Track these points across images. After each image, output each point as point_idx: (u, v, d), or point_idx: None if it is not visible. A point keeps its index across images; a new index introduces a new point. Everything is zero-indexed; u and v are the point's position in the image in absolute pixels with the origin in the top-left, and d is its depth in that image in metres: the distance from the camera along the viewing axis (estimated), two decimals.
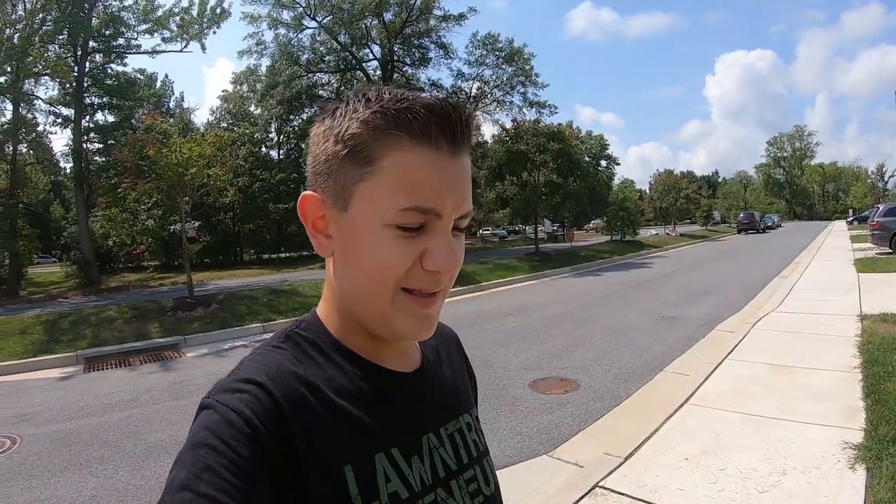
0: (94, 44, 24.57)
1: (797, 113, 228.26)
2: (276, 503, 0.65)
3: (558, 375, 7.32)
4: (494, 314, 12.62)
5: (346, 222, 0.74)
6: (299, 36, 34.43)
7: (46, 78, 22.92)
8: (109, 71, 26.52)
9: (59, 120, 25.90)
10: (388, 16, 33.83)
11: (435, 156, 0.71)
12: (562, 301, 14.03)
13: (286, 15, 33.31)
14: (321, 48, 35.21)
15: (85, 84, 24.77)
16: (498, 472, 3.25)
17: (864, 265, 16.32)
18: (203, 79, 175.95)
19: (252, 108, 42.27)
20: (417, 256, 0.72)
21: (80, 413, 7.24)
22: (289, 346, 0.80)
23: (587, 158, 45.38)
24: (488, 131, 36.69)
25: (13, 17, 21.22)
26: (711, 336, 8.77)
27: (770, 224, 57.03)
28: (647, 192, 77.29)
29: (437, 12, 34.42)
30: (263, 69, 36.28)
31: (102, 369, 9.82)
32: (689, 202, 53.43)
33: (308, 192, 0.77)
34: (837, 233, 39.53)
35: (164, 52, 25.73)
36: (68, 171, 32.65)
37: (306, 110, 37.30)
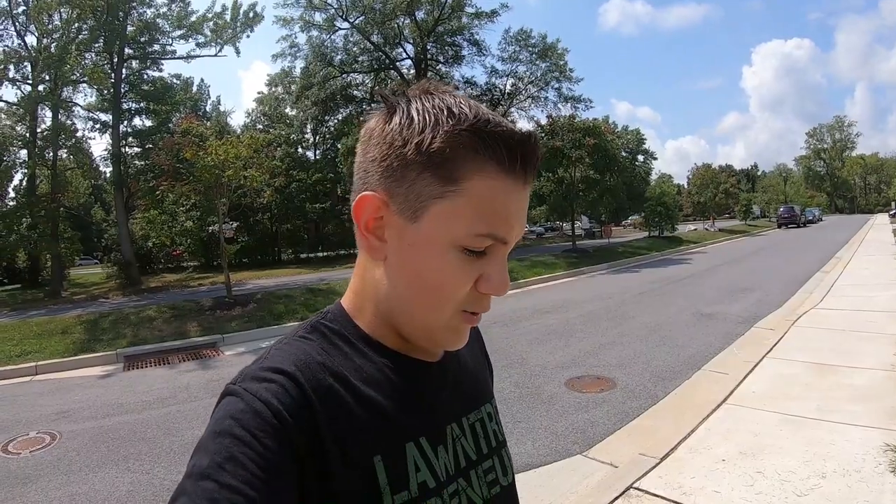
0: (130, 50, 24.95)
1: (837, 103, 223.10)
2: (301, 497, 0.65)
3: (594, 374, 7.28)
4: (531, 312, 12.57)
5: (413, 234, 0.73)
6: (332, 37, 34.62)
7: (84, 85, 23.39)
8: (146, 77, 26.93)
9: (98, 125, 26.41)
10: (420, 14, 33.85)
11: (513, 185, 0.71)
12: (599, 298, 13.93)
13: (318, 17, 33.52)
14: (354, 48, 35.37)
15: (122, 90, 25.17)
16: (532, 472, 3.29)
17: None
18: (239, 82, 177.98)
19: (287, 110, 42.64)
20: (476, 279, 0.73)
21: (118, 410, 7.39)
22: (315, 337, 0.79)
23: (624, 153, 44.96)
24: (524, 128, 36.49)
25: (49, 27, 21.68)
26: (751, 334, 8.63)
27: (811, 218, 55.76)
28: (685, 186, 76.22)
29: (469, 9, 34.37)
30: (297, 71, 36.58)
31: (142, 367, 10.01)
32: (728, 196, 52.69)
33: (370, 194, 0.75)
34: (879, 226, 38.69)
35: (198, 56, 26.03)
36: (108, 174, 33.41)
37: (341, 110, 37.54)
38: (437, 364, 0.86)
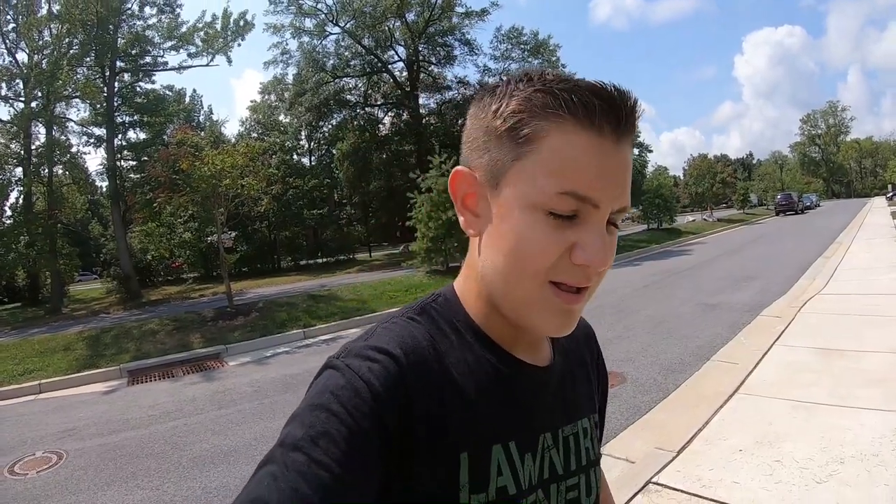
0: (122, 63, 25.06)
1: (830, 88, 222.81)
2: (387, 478, 0.64)
3: None
4: None
5: (497, 201, 0.72)
6: (323, 42, 34.78)
7: (77, 100, 23.47)
8: (139, 89, 27.03)
9: (93, 140, 26.60)
10: (410, 16, 33.93)
11: (597, 141, 0.67)
12: (602, 293, 13.54)
13: (309, 23, 33.61)
14: (346, 53, 35.45)
15: (115, 103, 25.27)
16: None
17: None
18: (232, 91, 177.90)
19: (281, 117, 42.68)
20: (567, 247, 0.68)
21: (125, 426, 7.35)
22: (424, 320, 0.78)
23: None
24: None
25: (40, 42, 21.79)
26: (757, 322, 8.59)
27: (808, 204, 55.85)
28: (682, 177, 76.24)
29: (459, 9, 34.51)
30: (290, 78, 36.65)
31: (146, 382, 9.97)
32: (725, 186, 52.68)
33: (461, 168, 0.76)
34: (877, 210, 38.64)
35: (190, 67, 26.08)
36: (104, 189, 33.41)
37: (335, 115, 37.59)
38: (544, 369, 0.83)
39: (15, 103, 22.13)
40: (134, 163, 27.33)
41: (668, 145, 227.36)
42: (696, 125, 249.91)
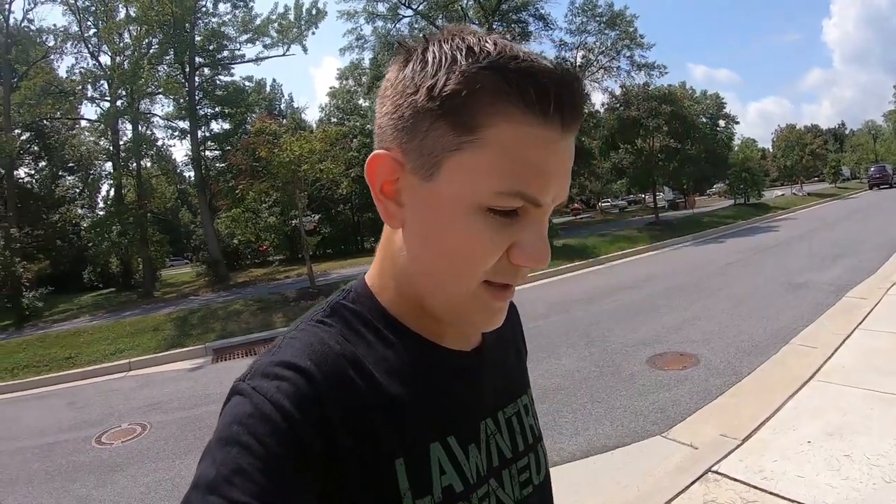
0: (200, 59, 25.84)
1: None
2: (318, 501, 0.60)
3: (677, 350, 7.12)
4: (613, 288, 12.42)
5: (429, 194, 0.65)
6: (397, 26, 34.82)
7: (160, 96, 24.67)
8: (218, 82, 27.90)
9: (177, 133, 27.83)
10: None
11: (546, 133, 0.61)
12: (683, 271, 13.61)
13: (381, 7, 33.72)
14: (420, 35, 35.43)
15: (196, 97, 26.15)
16: (609, 453, 3.22)
17: None
18: (311, 79, 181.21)
19: (360, 101, 43.17)
20: (506, 248, 0.64)
21: (206, 400, 7.72)
22: (336, 321, 0.72)
23: (703, 119, 43.49)
24: (598, 100, 35.84)
25: (121, 45, 22.87)
26: (842, 303, 8.23)
27: None
28: (770, 150, 73.21)
29: None
30: (366, 62, 36.96)
31: (229, 359, 10.45)
32: (816, 158, 50.20)
33: (381, 152, 0.67)
34: None
35: (266, 58, 26.74)
36: (191, 179, 34.75)
37: None
38: (473, 352, 0.79)
39: (101, 103, 23.36)
40: (217, 152, 28.43)
41: (755, 115, 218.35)
42: (784, 94, 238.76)
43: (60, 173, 30.82)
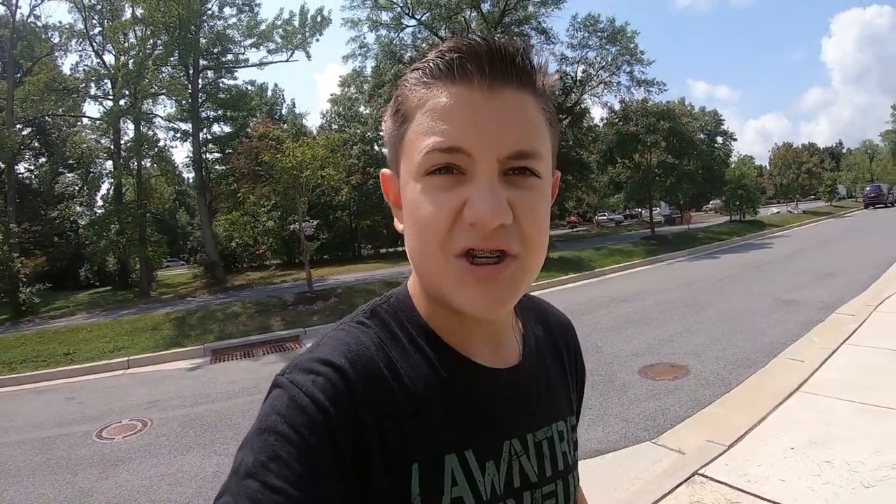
0: (205, 62, 25.89)
1: None
2: (345, 493, 0.63)
3: (669, 361, 7.27)
4: (608, 300, 12.57)
5: (400, 183, 0.72)
6: (400, 35, 34.94)
7: (163, 97, 24.70)
8: (221, 85, 27.91)
9: (179, 134, 27.72)
10: (485, 6, 33.80)
11: (463, 91, 0.65)
12: (676, 286, 13.76)
13: (385, 16, 33.77)
14: (423, 45, 35.64)
15: (200, 100, 26.17)
16: (600, 458, 3.40)
17: None
18: (315, 85, 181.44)
19: (361, 108, 43.27)
20: (457, 208, 0.65)
21: (205, 399, 7.84)
22: (374, 324, 0.76)
23: (701, 136, 43.78)
24: (598, 115, 36.01)
25: (125, 44, 23.02)
26: (831, 320, 8.39)
27: None
28: (767, 167, 73.67)
29: None
30: (369, 70, 37.11)
31: (228, 360, 10.54)
32: (812, 177, 50.60)
33: (385, 170, 0.77)
34: None
35: (270, 63, 26.88)
36: (190, 180, 34.75)
37: None
38: (509, 371, 0.79)
39: (104, 102, 23.45)
40: (219, 155, 28.44)
41: (753, 133, 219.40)
42: (783, 112, 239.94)
43: (60, 170, 30.77)
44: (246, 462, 0.61)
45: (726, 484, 3.68)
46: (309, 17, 25.37)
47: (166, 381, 9.38)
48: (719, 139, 56.70)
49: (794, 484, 3.57)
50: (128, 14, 23.20)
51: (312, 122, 55.60)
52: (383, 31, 34.22)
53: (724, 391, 5.94)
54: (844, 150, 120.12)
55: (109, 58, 24.08)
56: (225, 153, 26.84)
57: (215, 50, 25.73)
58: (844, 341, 6.79)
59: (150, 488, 5.10)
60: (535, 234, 0.68)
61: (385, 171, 0.77)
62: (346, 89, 44.06)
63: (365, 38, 34.67)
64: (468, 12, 33.69)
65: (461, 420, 0.73)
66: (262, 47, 26.35)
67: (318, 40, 25.70)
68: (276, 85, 44.81)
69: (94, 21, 23.80)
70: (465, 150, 0.64)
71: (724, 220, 37.51)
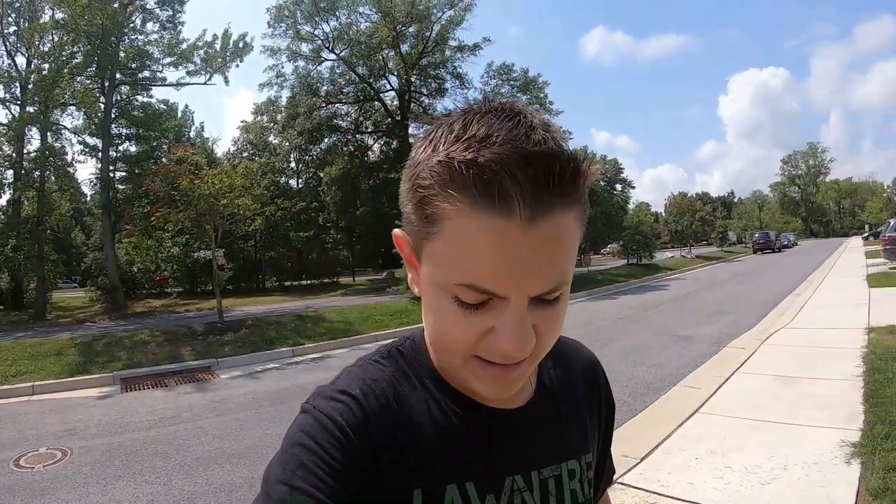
0: (122, 76, 25.10)
1: (813, 130, 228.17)
2: None
3: None
4: None
5: (421, 273, 0.70)
6: (318, 68, 35.21)
7: (73, 108, 23.59)
8: (135, 102, 26.93)
9: (87, 149, 26.24)
10: (404, 47, 34.52)
11: (502, 224, 0.58)
12: (578, 324, 14.21)
13: (305, 48, 34.07)
14: (340, 80, 35.92)
15: (113, 115, 25.28)
16: None
17: (876, 280, 16.74)
18: (224, 109, 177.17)
19: (271, 138, 42.94)
20: (485, 331, 0.65)
21: (126, 428, 7.65)
22: (389, 364, 0.80)
23: (602, 183, 45.77)
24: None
25: (42, 48, 21.97)
26: (724, 353, 9.07)
27: (786, 243, 57.07)
28: (663, 214, 77.52)
29: (453, 43, 35.07)
30: (283, 101, 37.03)
31: (139, 389, 10.26)
32: (705, 224, 53.71)
33: (398, 232, 0.74)
34: (853, 249, 39.67)
35: (188, 84, 26.25)
36: (89, 198, 33.25)
37: (325, 140, 38.04)
38: (514, 411, 0.81)
39: (11, 106, 22.21)
40: (124, 174, 27.25)
41: (651, 181, 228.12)
42: (679, 162, 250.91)
43: None
44: (275, 472, 0.67)
45: (643, 489, 4.14)
46: (231, 41, 25.07)
47: (78, 409, 9.05)
48: (618, 186, 59.37)
49: (701, 486, 4.08)
50: (46, 17, 22.24)
51: (222, 148, 54.53)
52: (302, 63, 34.40)
53: (632, 415, 6.38)
54: (736, 199, 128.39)
55: (21, 60, 22.66)
56: (134, 173, 25.75)
57: (133, 65, 24.97)
58: (736, 370, 7.53)
59: None
60: (552, 341, 0.70)
61: (399, 233, 0.73)
62: (258, 117, 43.66)
63: (283, 67, 34.73)
64: (387, 52, 34.31)
65: (465, 455, 0.75)
66: (180, 67, 25.76)
67: (237, 66, 25.32)
68: (186, 106, 43.62)
69: (10, 19, 22.45)
70: (500, 295, 0.61)
71: (622, 263, 39.17)
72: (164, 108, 28.68)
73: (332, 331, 15.10)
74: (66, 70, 21.01)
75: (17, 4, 22.49)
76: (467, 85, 36.93)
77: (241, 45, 25.23)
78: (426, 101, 37.78)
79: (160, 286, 32.20)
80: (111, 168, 25.84)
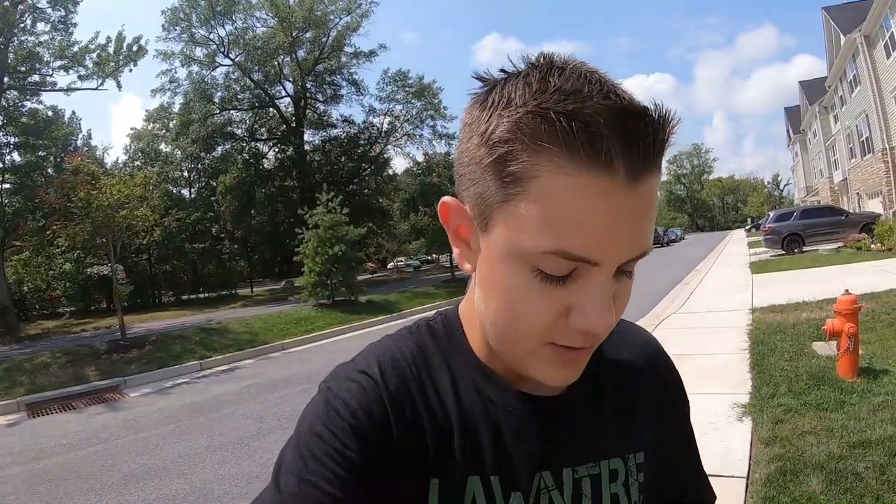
0: (10, 80, 23.52)
1: (697, 131, 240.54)
2: (374, 495, 0.63)
3: None
4: None
5: (485, 246, 0.61)
6: (213, 74, 34.60)
7: None
8: (23, 109, 25.51)
9: None
10: (301, 53, 34.47)
11: (605, 184, 0.51)
12: None
13: (199, 52, 33.46)
14: (235, 85, 35.38)
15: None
16: None
17: (758, 267, 18.27)
18: (110, 115, 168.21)
19: (163, 146, 41.65)
20: (563, 309, 0.57)
21: (42, 454, 7.36)
22: (415, 339, 0.75)
23: None
24: (401, 165, 37.51)
25: None
26: None
27: (673, 237, 60.36)
28: None
29: (349, 49, 35.32)
30: (177, 107, 36.06)
31: (47, 414, 9.89)
32: None
33: (449, 199, 0.65)
34: (737, 241, 42.38)
35: (79, 89, 24.94)
36: None
37: (219, 148, 37.30)
38: (549, 399, 0.72)
39: None
40: (8, 186, 25.83)
41: None
42: None
43: None
44: (287, 461, 0.65)
45: None
46: (125, 45, 23.85)
47: None
48: None
49: None
50: None
51: (112, 157, 52.29)
52: (196, 68, 33.73)
53: None
54: None
55: None
56: (23, 185, 24.34)
57: (22, 68, 23.35)
58: None
59: None
60: (619, 317, 0.63)
61: (450, 200, 0.66)
62: (150, 124, 42.23)
63: (176, 72, 33.92)
64: (283, 57, 34.03)
65: (489, 445, 0.69)
66: (71, 71, 24.20)
67: (131, 70, 24.18)
68: (73, 113, 41.56)
69: None
70: (593, 261, 0.54)
71: None
72: (51, 114, 27.20)
73: (238, 342, 15.03)
74: None
75: None
76: (363, 91, 37.28)
77: (135, 48, 24.11)
78: (322, 107, 37.90)
79: (51, 306, 30.58)
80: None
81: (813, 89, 41.03)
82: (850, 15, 26.65)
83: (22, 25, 22.64)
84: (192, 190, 43.03)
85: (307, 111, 37.73)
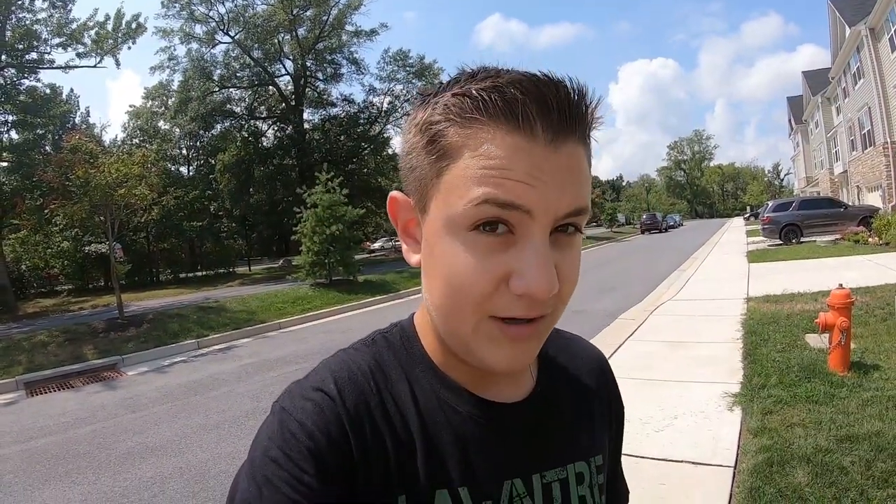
0: (7, 58, 23.26)
1: (699, 117, 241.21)
2: None
3: None
4: None
5: (426, 227, 0.64)
6: (212, 51, 34.41)
7: None
8: (21, 87, 24.98)
9: None
10: (301, 31, 34.27)
11: (525, 144, 0.56)
12: None
13: (199, 29, 33.26)
14: (234, 63, 35.18)
15: None
16: None
17: (755, 256, 18.25)
18: (108, 93, 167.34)
19: (161, 124, 41.44)
20: (503, 274, 0.58)
21: (41, 432, 7.39)
22: (372, 352, 0.73)
23: None
24: (400, 145, 37.34)
25: None
26: (616, 324, 9.66)
27: (672, 224, 60.64)
28: None
29: (350, 27, 35.10)
30: (176, 85, 35.88)
31: (46, 393, 9.89)
32: (594, 206, 55.52)
33: (397, 194, 0.69)
34: (735, 229, 42.52)
35: (77, 67, 24.60)
36: None
37: (218, 126, 37.16)
38: (515, 405, 0.73)
39: None
40: (6, 164, 25.45)
41: None
42: None
43: None
44: (241, 489, 0.62)
45: None
46: (124, 22, 23.49)
47: None
48: None
49: None
50: None
51: (110, 135, 51.98)
52: (195, 45, 33.53)
53: None
54: (625, 183, 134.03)
55: None
56: (22, 163, 23.63)
57: (20, 46, 22.97)
58: (628, 337, 8.22)
59: None
60: (570, 291, 0.63)
61: (397, 194, 0.69)
62: (149, 102, 42.01)
63: (175, 50, 33.75)
64: (283, 35, 33.82)
65: (458, 456, 0.68)
66: (70, 49, 23.87)
67: (129, 48, 23.92)
68: (71, 90, 41.36)
69: None
70: (524, 208, 0.56)
71: None
72: (48, 92, 26.89)
73: (235, 320, 15.01)
74: None
75: None
76: (363, 70, 37.12)
77: (134, 25, 23.77)
78: (321, 85, 37.71)
79: (49, 284, 30.56)
80: None
81: (816, 80, 41.09)
82: (856, 7, 26.54)
83: (20, 2, 22.41)
84: (191, 168, 42.81)
85: (307, 90, 37.60)
